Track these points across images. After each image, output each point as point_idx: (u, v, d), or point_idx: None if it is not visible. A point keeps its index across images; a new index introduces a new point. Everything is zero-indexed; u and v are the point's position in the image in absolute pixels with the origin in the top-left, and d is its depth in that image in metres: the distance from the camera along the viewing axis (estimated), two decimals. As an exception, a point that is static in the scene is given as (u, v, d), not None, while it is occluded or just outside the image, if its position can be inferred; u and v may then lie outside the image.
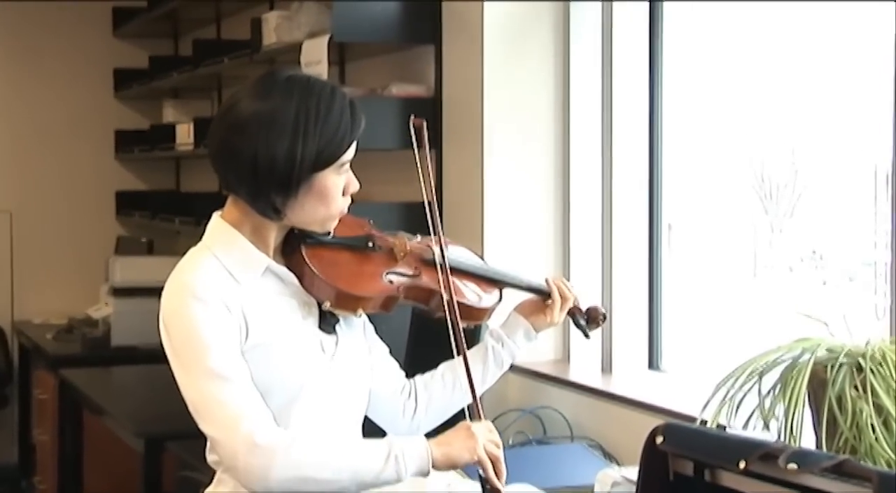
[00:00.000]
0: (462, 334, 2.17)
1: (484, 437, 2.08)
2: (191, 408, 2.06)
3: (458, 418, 2.27)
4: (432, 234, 2.23)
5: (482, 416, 2.14)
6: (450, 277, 2.20)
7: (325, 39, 3.90)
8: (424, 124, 2.23)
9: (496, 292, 2.36)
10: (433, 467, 2.04)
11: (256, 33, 4.48)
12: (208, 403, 2.01)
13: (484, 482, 2.08)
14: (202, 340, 2.01)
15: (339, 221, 2.17)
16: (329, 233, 2.18)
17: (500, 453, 2.09)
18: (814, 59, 3.12)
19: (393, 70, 4.24)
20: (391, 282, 2.22)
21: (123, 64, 6.73)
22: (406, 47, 4.08)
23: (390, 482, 2.04)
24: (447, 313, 2.18)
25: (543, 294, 2.44)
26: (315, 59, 3.95)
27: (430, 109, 3.85)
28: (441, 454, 2.04)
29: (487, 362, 2.36)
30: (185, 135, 5.70)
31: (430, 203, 2.19)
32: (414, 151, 2.21)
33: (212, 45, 5.53)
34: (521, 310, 2.43)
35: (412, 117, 2.23)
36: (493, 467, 2.07)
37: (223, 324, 2.03)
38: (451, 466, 2.06)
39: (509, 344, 2.38)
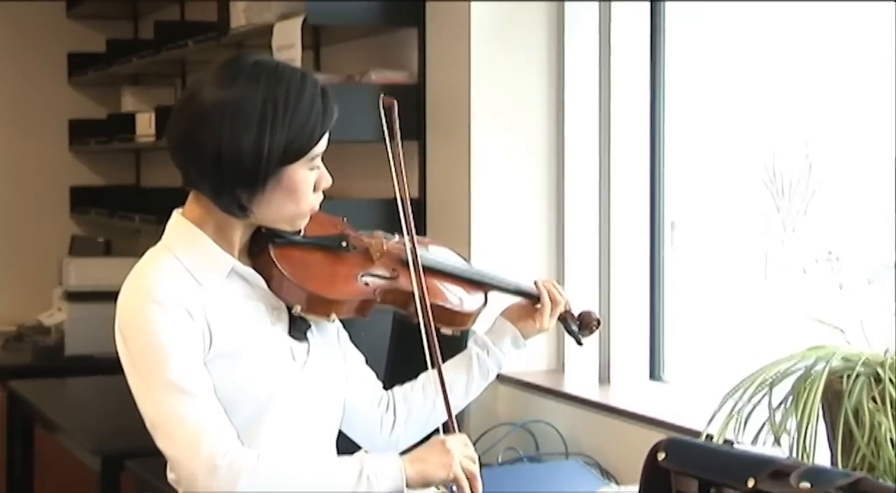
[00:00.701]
0: (435, 338, 2.17)
1: (459, 452, 2.09)
2: (147, 423, 2.06)
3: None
4: (404, 228, 2.22)
5: (456, 428, 2.15)
6: (422, 275, 2.20)
7: (298, 22, 3.90)
8: (395, 104, 2.22)
9: (481, 296, 2.36)
10: (407, 486, 2.05)
11: (224, 15, 4.47)
12: (167, 418, 2.01)
13: None
14: (161, 348, 2.01)
15: (311, 219, 2.17)
16: (299, 232, 2.18)
17: (476, 469, 2.11)
18: (828, 44, 3.13)
19: (372, 55, 4.24)
20: (367, 284, 2.22)
21: (78, 47, 6.71)
22: (386, 30, 4.08)
23: None
24: (419, 315, 2.18)
25: (532, 298, 2.44)
26: (287, 43, 3.94)
27: (412, 98, 3.85)
28: (415, 472, 2.06)
29: (472, 372, 2.36)
30: (145, 125, 5.69)
31: (401, 198, 2.19)
32: (384, 133, 2.20)
33: (175, 27, 5.52)
34: (508, 315, 2.43)
35: (381, 96, 2.22)
36: (469, 484, 2.08)
37: (185, 331, 2.03)
38: (426, 484, 2.08)
39: (495, 352, 2.38)
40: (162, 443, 2.04)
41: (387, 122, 2.20)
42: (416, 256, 2.21)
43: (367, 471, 2.03)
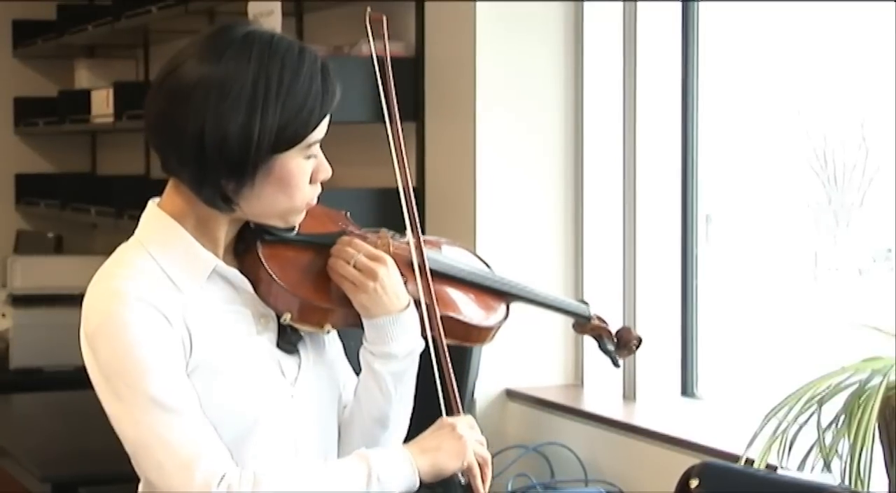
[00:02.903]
0: (446, 354, 2.17)
1: (470, 437, 2.12)
2: (127, 447, 2.05)
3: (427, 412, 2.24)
4: (407, 223, 2.21)
5: (461, 409, 2.17)
6: (430, 279, 2.20)
7: (278, -15, 3.91)
8: (384, 21, 2.21)
9: (502, 307, 2.35)
10: (420, 480, 2.08)
11: (192, -23, 4.49)
12: (151, 443, 2.01)
13: (466, 488, 2.12)
14: (138, 359, 2.01)
15: (309, 212, 2.17)
16: (293, 228, 2.18)
17: (487, 454, 2.15)
18: (887, 12, 3.13)
19: (363, 24, 4.23)
20: (369, 291, 2.22)
21: (25, 15, 6.71)
22: (379, -5, 4.09)
23: None
24: (428, 327, 2.18)
25: (564, 313, 2.45)
26: (265, 11, 3.95)
27: (409, 74, 3.86)
28: (428, 465, 2.09)
29: (372, 374, 2.29)
30: (102, 104, 5.69)
31: (401, 171, 2.17)
32: (373, 59, 2.18)
33: (136, -9, 5.53)
34: None
35: (368, 10, 2.21)
36: (481, 470, 2.13)
37: (165, 339, 2.03)
38: (438, 476, 2.11)
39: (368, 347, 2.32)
40: (147, 470, 2.04)
41: (374, 39, 2.18)
42: (423, 253, 2.21)
43: (377, 471, 2.05)
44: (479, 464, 2.13)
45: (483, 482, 2.13)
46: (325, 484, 2.05)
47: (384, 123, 2.19)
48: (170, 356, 2.04)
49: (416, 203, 3.80)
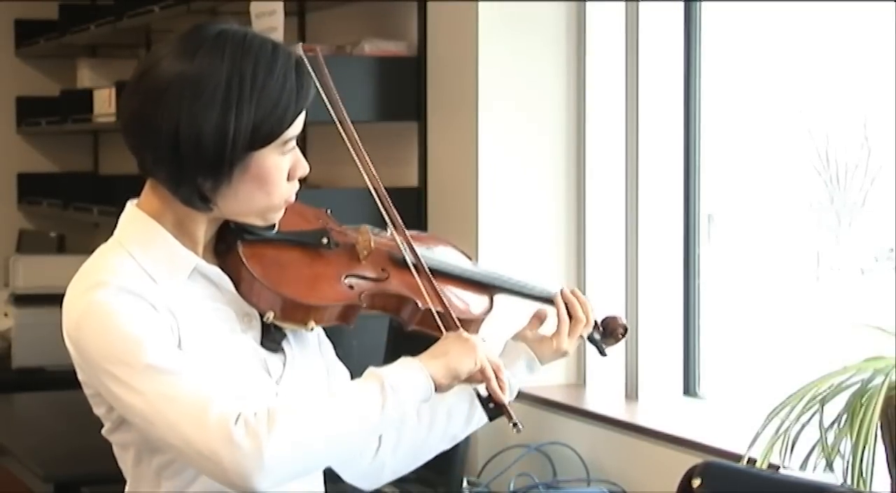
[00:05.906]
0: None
1: (478, 340, 2.13)
2: (140, 421, 2.02)
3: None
4: (389, 222, 2.23)
5: (458, 327, 2.18)
6: (432, 279, 2.21)
7: (279, -16, 3.91)
8: (319, 52, 2.21)
9: (485, 299, 2.37)
10: (436, 387, 2.07)
11: (194, -24, 4.49)
12: (160, 406, 1.99)
13: (486, 400, 2.12)
14: (129, 336, 2.00)
15: (289, 210, 2.17)
16: (273, 227, 2.18)
17: (499, 361, 2.14)
18: (887, 11, 3.13)
19: (365, 23, 4.24)
20: (351, 287, 2.22)
21: (27, 14, 6.72)
22: (382, -6, 4.09)
23: (395, 420, 2.05)
24: (436, 317, 2.19)
25: (548, 302, 2.45)
26: (267, 10, 3.95)
27: (411, 73, 3.86)
28: (441, 368, 2.07)
29: (475, 401, 2.32)
30: (104, 103, 5.70)
31: (368, 176, 2.18)
32: (319, 92, 2.19)
33: (138, -10, 5.53)
34: (522, 335, 2.43)
35: (301, 45, 2.21)
36: (496, 376, 2.12)
37: (151, 318, 2.03)
38: (455, 378, 2.09)
39: (506, 376, 2.36)
40: (164, 433, 2.00)
41: (316, 74, 2.18)
42: (419, 254, 2.22)
43: (389, 382, 2.04)
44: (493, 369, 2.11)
45: (501, 387, 2.12)
46: (343, 406, 2.03)
47: (339, 129, 2.20)
48: (159, 329, 2.03)
49: (419, 202, 3.83)
